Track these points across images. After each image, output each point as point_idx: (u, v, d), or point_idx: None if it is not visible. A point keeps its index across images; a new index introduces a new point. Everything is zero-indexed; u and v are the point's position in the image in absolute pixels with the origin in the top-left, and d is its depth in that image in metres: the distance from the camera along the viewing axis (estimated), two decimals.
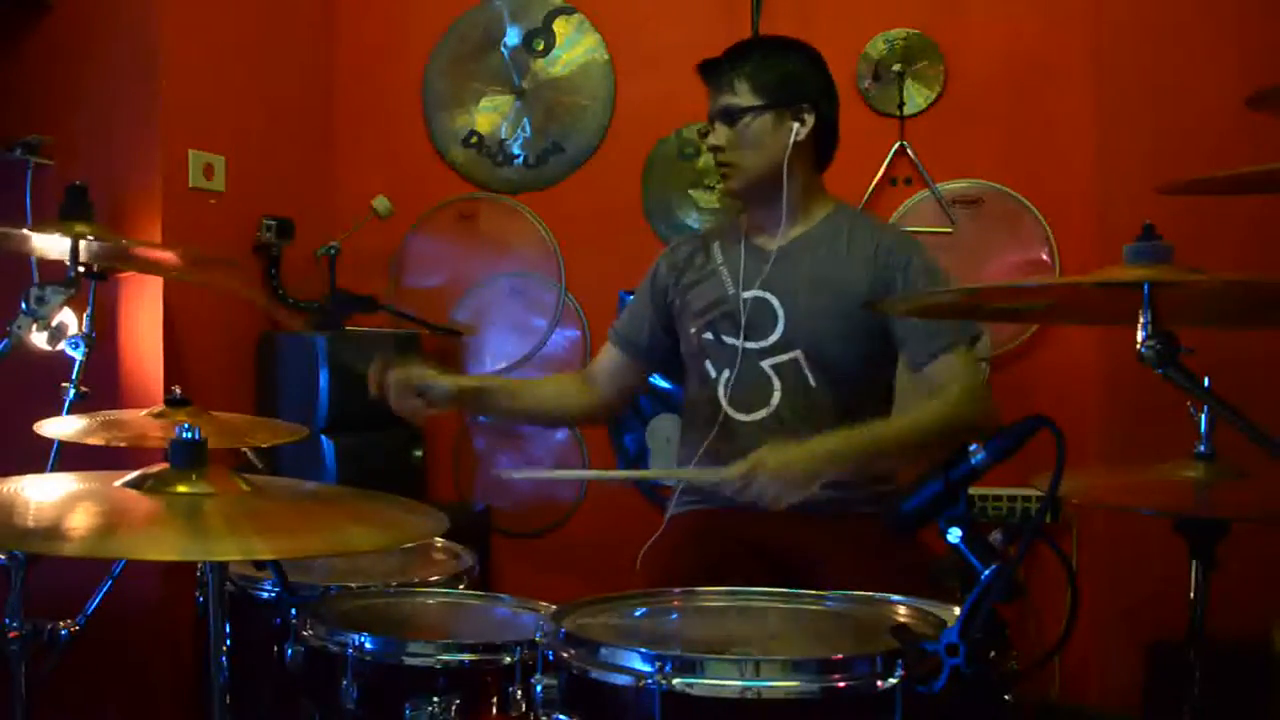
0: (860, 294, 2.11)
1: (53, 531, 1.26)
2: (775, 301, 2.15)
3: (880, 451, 1.99)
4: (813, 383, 2.12)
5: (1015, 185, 2.93)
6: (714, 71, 2.19)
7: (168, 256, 2.45)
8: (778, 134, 2.14)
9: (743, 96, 2.14)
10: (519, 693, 1.52)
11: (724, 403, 2.16)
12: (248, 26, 2.95)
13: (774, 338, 2.14)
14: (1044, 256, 2.92)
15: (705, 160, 3.00)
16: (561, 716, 1.37)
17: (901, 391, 2.24)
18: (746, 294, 2.16)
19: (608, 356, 2.36)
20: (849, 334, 2.12)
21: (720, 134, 2.16)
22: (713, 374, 2.18)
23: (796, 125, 2.14)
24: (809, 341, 2.12)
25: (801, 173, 2.17)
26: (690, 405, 2.28)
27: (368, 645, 1.55)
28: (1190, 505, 1.81)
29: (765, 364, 2.14)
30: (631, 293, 3.11)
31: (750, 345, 2.15)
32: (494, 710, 1.54)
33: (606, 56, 3.20)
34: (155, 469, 1.38)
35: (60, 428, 1.95)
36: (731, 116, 2.14)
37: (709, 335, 2.18)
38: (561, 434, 3.27)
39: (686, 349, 2.25)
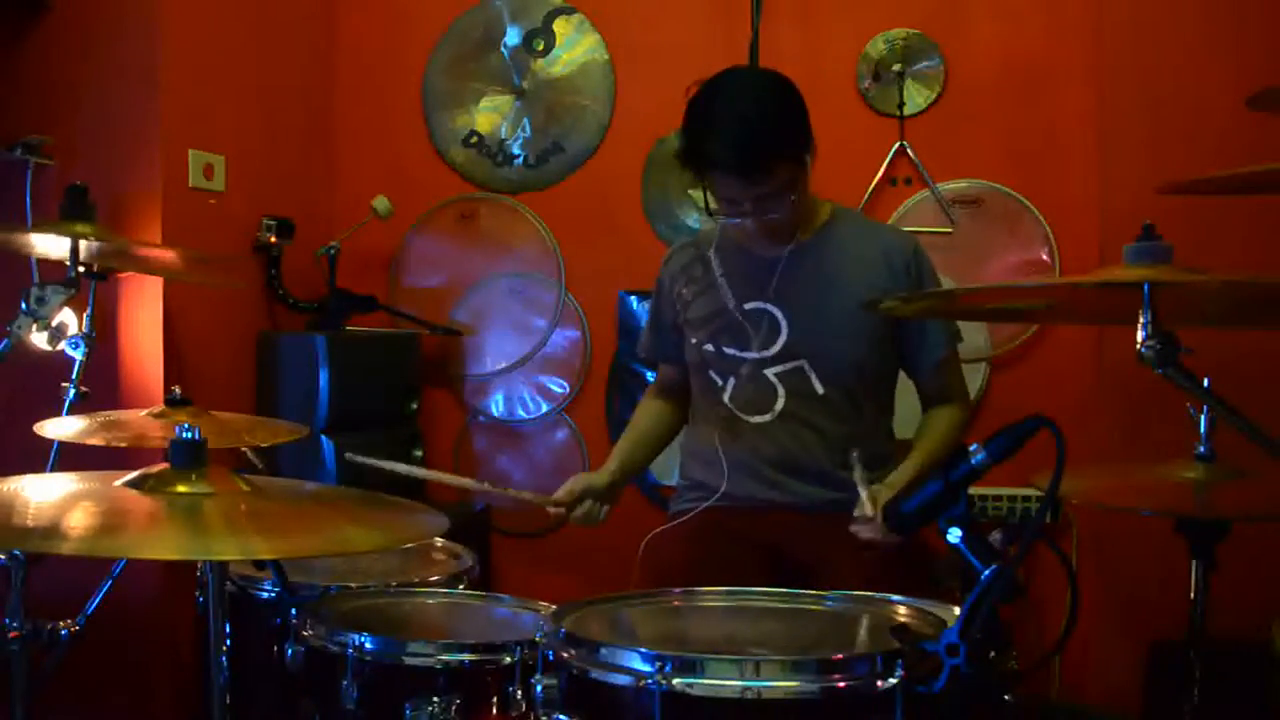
0: (867, 297, 2.08)
1: (53, 531, 1.26)
2: (778, 312, 2.13)
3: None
4: (819, 389, 2.11)
5: (1015, 185, 2.93)
6: (750, 166, 2.00)
7: (168, 256, 2.45)
8: (806, 176, 2.07)
9: (782, 172, 2.00)
10: (519, 693, 1.53)
11: (730, 406, 2.17)
12: (248, 27, 2.94)
13: (776, 348, 2.12)
14: (1044, 256, 2.92)
15: None
16: (561, 716, 1.37)
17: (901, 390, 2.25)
18: (747, 305, 2.14)
19: (667, 374, 2.36)
20: (854, 338, 2.11)
21: (772, 206, 2.03)
22: (718, 382, 2.18)
23: (808, 158, 2.06)
24: (813, 349, 2.11)
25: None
26: (696, 404, 2.28)
27: (368, 645, 1.55)
28: (1190, 505, 1.82)
29: (769, 372, 2.13)
30: (632, 293, 3.13)
31: (752, 356, 2.14)
32: (494, 710, 1.54)
33: (606, 56, 3.20)
34: (155, 469, 1.38)
35: (60, 428, 1.95)
36: (786, 194, 2.03)
37: (710, 347, 2.17)
38: (561, 434, 3.27)
39: (690, 356, 2.24)
